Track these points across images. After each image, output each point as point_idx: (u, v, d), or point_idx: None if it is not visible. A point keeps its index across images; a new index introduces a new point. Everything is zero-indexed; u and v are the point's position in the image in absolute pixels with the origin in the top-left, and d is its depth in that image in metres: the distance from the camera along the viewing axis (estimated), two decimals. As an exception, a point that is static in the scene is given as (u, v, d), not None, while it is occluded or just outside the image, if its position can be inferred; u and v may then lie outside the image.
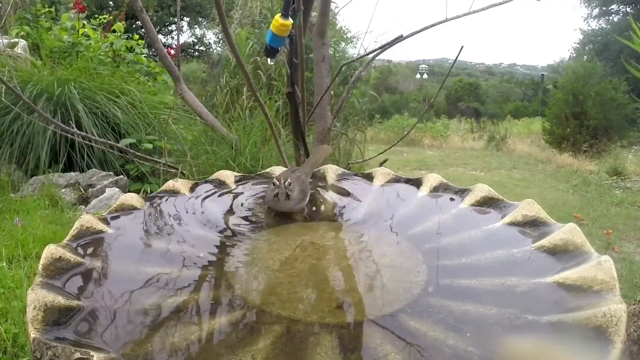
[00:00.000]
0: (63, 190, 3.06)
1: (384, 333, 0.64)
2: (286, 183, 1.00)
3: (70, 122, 3.33)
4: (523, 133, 14.42)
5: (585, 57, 18.75)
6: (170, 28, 17.98)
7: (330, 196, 1.17)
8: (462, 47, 2.36)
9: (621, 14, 21.97)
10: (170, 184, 1.14)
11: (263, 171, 1.30)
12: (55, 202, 2.86)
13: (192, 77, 7.44)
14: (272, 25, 1.77)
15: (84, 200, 3.04)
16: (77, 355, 0.55)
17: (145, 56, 4.90)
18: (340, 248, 0.93)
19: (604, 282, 0.68)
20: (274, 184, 1.02)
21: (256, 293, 0.76)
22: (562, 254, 0.79)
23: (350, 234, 0.99)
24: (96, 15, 5.36)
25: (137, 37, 4.77)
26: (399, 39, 2.44)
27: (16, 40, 4.39)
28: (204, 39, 19.56)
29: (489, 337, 0.62)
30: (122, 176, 3.28)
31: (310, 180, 1.20)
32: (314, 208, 1.10)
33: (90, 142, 3.24)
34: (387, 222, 1.01)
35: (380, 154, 3.06)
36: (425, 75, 26.58)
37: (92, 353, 0.55)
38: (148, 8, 12.47)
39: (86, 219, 0.90)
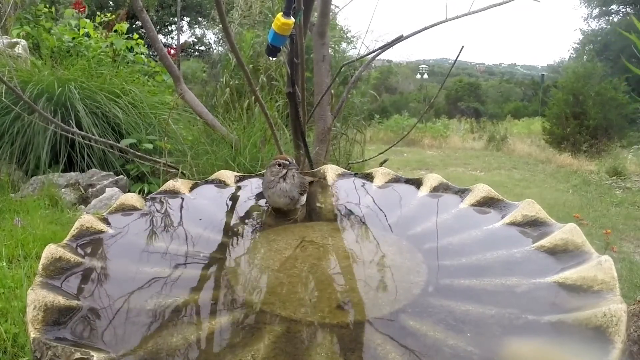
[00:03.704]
0: (63, 190, 3.06)
1: (384, 333, 0.64)
2: (294, 161, 1.01)
3: (71, 122, 3.33)
4: (523, 133, 14.42)
5: (585, 57, 18.76)
6: (170, 28, 17.98)
7: (330, 196, 1.17)
8: (462, 47, 2.36)
9: (621, 14, 21.98)
10: (170, 184, 1.14)
11: (263, 171, 1.30)
12: (55, 202, 2.86)
13: (192, 77, 7.44)
14: (274, 24, 1.77)
15: (84, 200, 3.04)
16: (77, 355, 0.55)
17: (145, 56, 4.90)
18: (340, 248, 0.93)
19: (604, 282, 0.68)
20: (279, 165, 1.02)
21: (256, 293, 0.76)
22: (562, 254, 0.79)
23: (350, 234, 0.99)
24: (98, 14, 5.35)
25: (136, 36, 4.76)
26: (399, 39, 2.44)
27: (16, 40, 4.38)
28: (204, 38, 19.57)
29: (489, 337, 0.62)
30: (122, 176, 3.27)
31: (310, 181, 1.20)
32: (313, 208, 1.10)
33: (91, 142, 3.24)
34: (387, 222, 1.01)
35: (380, 154, 3.06)
36: (425, 76, 26.57)
37: (92, 353, 0.55)
38: (148, 8, 12.48)
39: (86, 219, 0.90)
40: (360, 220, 1.03)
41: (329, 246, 0.92)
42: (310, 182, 1.20)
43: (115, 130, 3.61)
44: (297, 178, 1.03)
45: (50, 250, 0.76)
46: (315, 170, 1.31)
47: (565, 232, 0.82)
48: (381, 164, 2.96)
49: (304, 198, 1.07)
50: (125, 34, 4.71)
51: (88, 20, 4.70)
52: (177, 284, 0.76)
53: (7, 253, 2.01)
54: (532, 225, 0.90)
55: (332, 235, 0.97)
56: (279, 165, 1.02)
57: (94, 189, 3.09)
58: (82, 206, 2.95)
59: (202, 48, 19.10)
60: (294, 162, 1.04)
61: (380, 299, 0.73)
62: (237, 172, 1.30)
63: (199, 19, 18.81)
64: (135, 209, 1.01)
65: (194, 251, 0.88)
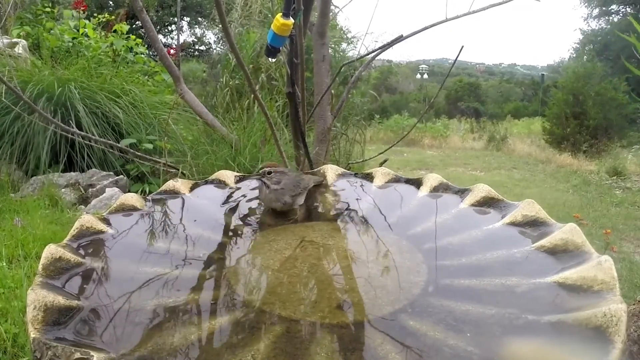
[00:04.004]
0: (63, 190, 3.06)
1: (384, 333, 0.64)
2: (267, 175, 1.01)
3: (71, 122, 3.33)
4: (523, 133, 14.42)
5: (585, 57, 18.78)
6: (170, 28, 17.98)
7: (330, 196, 1.17)
8: (462, 47, 2.36)
9: (621, 14, 22.00)
10: (170, 184, 1.14)
11: (263, 171, 1.30)
12: (55, 202, 2.86)
13: (192, 77, 7.44)
14: (273, 25, 1.77)
15: (84, 200, 3.04)
16: (77, 355, 0.55)
17: (145, 56, 4.90)
18: (340, 248, 0.93)
19: (604, 282, 0.68)
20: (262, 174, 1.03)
21: (256, 293, 0.76)
22: (562, 254, 0.79)
23: (350, 234, 0.99)
24: (95, 15, 5.36)
25: (133, 37, 4.77)
26: (399, 39, 2.44)
27: (16, 40, 4.39)
28: (204, 39, 19.57)
29: (489, 337, 0.62)
30: (122, 176, 3.28)
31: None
32: (314, 207, 1.10)
33: (91, 142, 3.24)
34: (387, 222, 1.01)
35: (380, 154, 3.06)
36: (425, 76, 26.57)
37: (92, 353, 0.55)
38: (148, 8, 12.48)
39: (86, 219, 0.90)
40: (360, 220, 1.03)
41: (329, 246, 0.92)
42: (318, 185, 1.18)
43: (115, 130, 3.61)
44: (289, 182, 1.02)
45: (50, 250, 0.76)
46: (315, 170, 1.31)
47: (565, 232, 0.82)
48: (381, 164, 2.96)
49: (301, 198, 1.07)
50: (126, 34, 4.71)
51: (87, 22, 4.70)
52: (177, 284, 0.76)
53: (7, 253, 2.01)
54: (532, 225, 0.90)
55: (332, 235, 0.97)
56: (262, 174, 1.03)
57: (94, 189, 3.09)
58: (82, 206, 2.95)
59: (202, 48, 19.10)
60: (276, 173, 1.02)
61: (380, 299, 0.73)
62: (237, 172, 1.30)
63: (199, 19, 18.81)
64: (135, 209, 1.01)
65: (194, 251, 0.88)
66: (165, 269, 0.80)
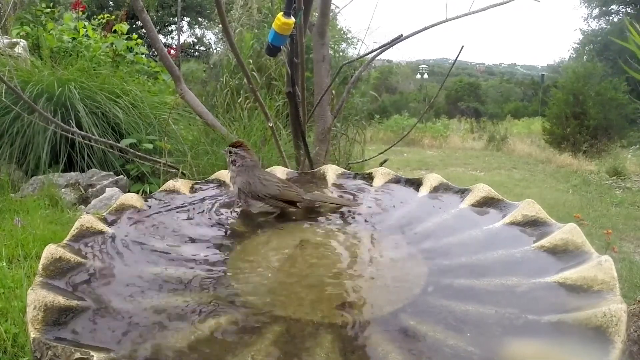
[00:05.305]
0: (63, 190, 3.06)
1: (384, 333, 0.64)
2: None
3: (71, 122, 3.33)
4: (523, 133, 14.42)
5: (585, 57, 18.79)
6: (170, 28, 17.99)
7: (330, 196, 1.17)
8: (462, 47, 2.36)
9: (621, 14, 22.01)
10: (170, 184, 1.14)
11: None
12: (55, 202, 2.86)
13: (192, 77, 7.44)
14: (274, 24, 1.77)
15: (84, 200, 3.04)
16: (77, 355, 0.55)
17: (145, 56, 4.90)
18: (339, 248, 0.92)
19: (604, 282, 0.68)
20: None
21: (256, 293, 0.76)
22: (562, 254, 0.79)
23: (350, 233, 0.99)
24: (95, 16, 5.37)
25: (135, 36, 4.77)
26: (399, 38, 2.44)
27: (16, 40, 4.39)
28: (204, 39, 19.58)
29: (489, 337, 0.62)
30: (122, 176, 3.28)
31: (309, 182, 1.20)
32: (313, 207, 1.10)
33: (91, 142, 3.24)
34: (387, 222, 1.01)
35: (380, 153, 3.06)
36: (425, 75, 26.55)
37: (92, 353, 0.55)
38: (149, 8, 12.48)
39: (86, 219, 0.90)
40: (360, 220, 1.03)
41: (329, 246, 0.92)
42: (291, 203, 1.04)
43: (115, 130, 3.61)
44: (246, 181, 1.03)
45: (50, 250, 0.76)
46: (315, 170, 1.31)
47: (565, 232, 0.82)
48: (381, 164, 2.96)
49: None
50: (126, 34, 4.71)
51: (87, 23, 4.70)
52: (177, 283, 0.76)
53: (7, 253, 2.01)
54: (532, 225, 0.90)
55: (332, 235, 0.97)
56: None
57: (94, 189, 3.09)
58: (82, 206, 2.95)
59: (202, 48, 19.10)
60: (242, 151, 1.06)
61: (380, 299, 0.73)
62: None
63: (199, 19, 18.82)
64: (135, 209, 1.01)
65: (193, 251, 0.88)
66: (165, 269, 0.80)
